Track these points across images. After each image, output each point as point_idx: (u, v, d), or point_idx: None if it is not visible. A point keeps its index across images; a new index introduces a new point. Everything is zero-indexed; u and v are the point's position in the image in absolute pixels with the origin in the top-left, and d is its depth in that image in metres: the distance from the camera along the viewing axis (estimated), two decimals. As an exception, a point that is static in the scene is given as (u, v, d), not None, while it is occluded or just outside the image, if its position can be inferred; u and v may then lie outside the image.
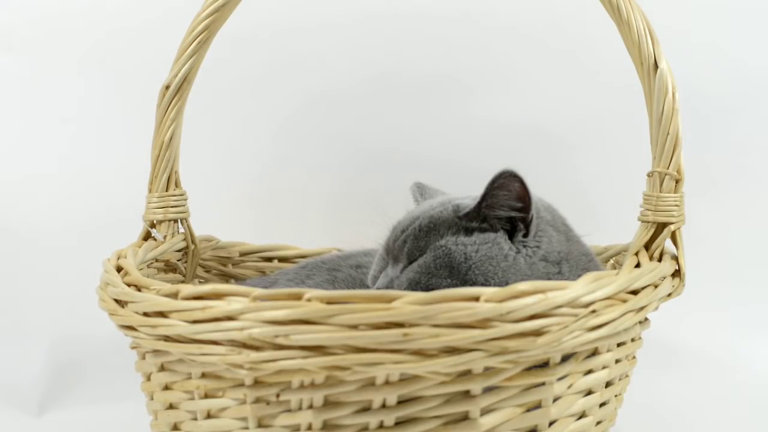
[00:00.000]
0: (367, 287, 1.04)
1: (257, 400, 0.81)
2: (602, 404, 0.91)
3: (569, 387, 0.85)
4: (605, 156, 1.49)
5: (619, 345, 0.90)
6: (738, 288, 1.48)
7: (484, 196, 0.92)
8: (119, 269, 0.93)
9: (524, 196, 0.92)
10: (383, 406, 0.79)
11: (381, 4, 1.48)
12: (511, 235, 0.94)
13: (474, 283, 0.90)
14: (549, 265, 0.94)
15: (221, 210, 1.42)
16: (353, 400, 0.78)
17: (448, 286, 0.90)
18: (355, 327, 0.73)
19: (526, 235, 0.94)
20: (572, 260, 0.96)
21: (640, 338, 0.96)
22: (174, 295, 0.80)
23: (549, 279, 0.92)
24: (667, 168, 0.93)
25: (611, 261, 1.17)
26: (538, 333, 0.75)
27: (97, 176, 1.48)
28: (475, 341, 0.73)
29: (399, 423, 0.80)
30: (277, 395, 0.80)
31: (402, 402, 0.79)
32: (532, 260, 0.93)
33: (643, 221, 0.96)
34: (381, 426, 0.79)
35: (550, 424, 0.84)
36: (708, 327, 1.45)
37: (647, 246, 0.95)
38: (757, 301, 1.48)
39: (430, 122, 1.50)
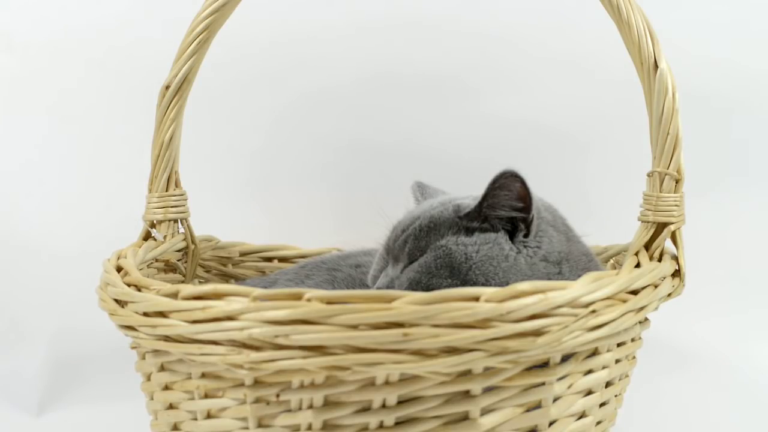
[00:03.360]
0: (367, 287, 1.04)
1: (257, 400, 0.81)
2: (602, 404, 0.91)
3: (569, 387, 0.85)
4: (605, 156, 1.49)
5: (619, 345, 0.90)
6: (738, 288, 1.48)
7: (485, 196, 0.92)
8: (119, 269, 0.93)
9: (525, 197, 0.92)
10: (383, 406, 0.79)
11: (384, 5, 1.48)
12: (512, 236, 0.94)
13: (474, 284, 0.90)
14: (549, 266, 0.94)
15: (221, 210, 1.42)
16: (353, 400, 0.78)
17: (449, 286, 0.90)
18: (355, 327, 0.73)
19: (526, 236, 0.94)
20: (572, 260, 0.96)
21: (640, 338, 0.96)
22: (174, 295, 0.80)
23: (549, 279, 0.92)
24: (667, 168, 0.93)
25: (611, 261, 1.17)
26: (538, 333, 0.75)
27: (97, 176, 1.48)
28: (475, 341, 0.73)
29: (399, 423, 0.80)
30: (277, 395, 0.80)
31: (402, 402, 0.79)
32: (532, 260, 0.93)
33: (643, 221, 0.96)
34: (381, 426, 0.79)
35: (550, 424, 0.84)
36: (708, 327, 1.45)
37: (647, 246, 0.95)
38: (758, 301, 1.48)
39: (431, 121, 1.50)
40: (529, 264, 0.93)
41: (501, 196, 0.92)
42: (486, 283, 0.90)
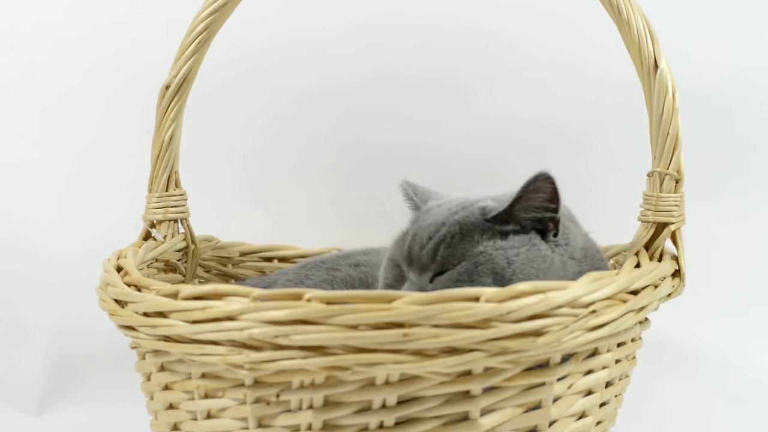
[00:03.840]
0: (367, 286, 1.04)
1: (257, 400, 0.81)
2: (602, 404, 0.91)
3: (569, 387, 0.85)
4: (605, 156, 1.49)
5: (619, 345, 0.90)
6: (738, 288, 1.48)
7: (519, 199, 0.91)
8: (119, 269, 0.93)
9: (555, 197, 0.92)
10: (383, 406, 0.79)
11: (384, 7, 1.48)
12: (543, 235, 0.94)
13: None
14: (574, 263, 0.94)
15: (221, 210, 1.42)
16: (353, 401, 0.78)
17: None
18: (355, 327, 0.73)
19: (555, 235, 0.94)
20: (590, 257, 0.96)
21: (640, 338, 0.96)
22: (174, 295, 0.80)
23: (575, 278, 0.92)
24: (667, 168, 0.94)
25: (611, 261, 1.17)
26: (538, 333, 0.75)
27: (98, 176, 1.48)
28: (475, 341, 0.73)
29: (399, 423, 0.80)
30: (277, 395, 0.80)
31: (402, 402, 0.79)
32: (563, 259, 0.93)
33: (643, 221, 0.96)
34: (381, 426, 0.79)
35: (550, 424, 0.84)
36: (708, 326, 1.45)
37: (647, 246, 0.95)
38: (758, 301, 1.48)
39: (431, 122, 1.50)
40: (562, 263, 0.93)
41: (535, 198, 0.91)
42: None
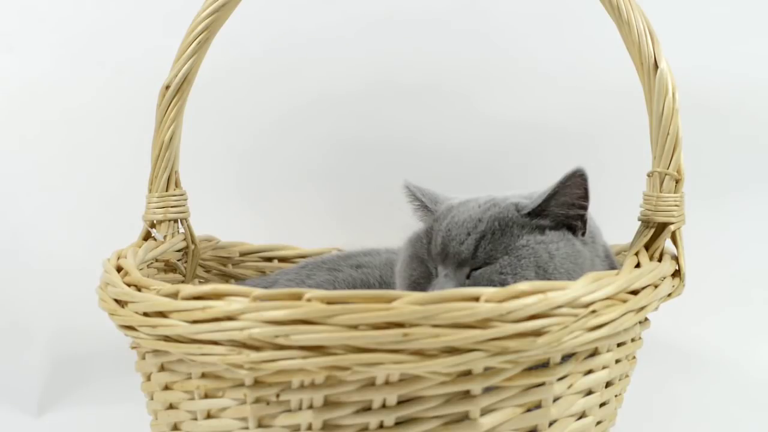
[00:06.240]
0: (369, 287, 1.03)
1: (257, 400, 0.81)
2: (602, 404, 0.91)
3: (569, 387, 0.85)
4: (605, 156, 1.49)
5: (619, 345, 0.90)
6: (739, 288, 1.48)
7: (554, 194, 0.92)
8: (119, 269, 0.93)
9: (587, 195, 0.93)
10: (383, 406, 0.79)
11: (383, 8, 1.48)
12: (573, 232, 0.94)
13: None
14: (603, 261, 0.95)
15: (221, 210, 1.42)
16: (353, 400, 0.79)
17: None
18: (355, 327, 0.73)
19: (583, 234, 0.95)
20: (610, 257, 0.97)
21: (640, 338, 0.96)
22: (174, 295, 0.80)
23: None
24: (667, 168, 0.94)
25: (611, 261, 1.17)
26: (538, 333, 0.75)
27: (97, 176, 1.48)
28: (475, 341, 0.73)
29: (399, 423, 0.80)
30: (277, 395, 0.80)
31: (402, 402, 0.79)
32: (592, 256, 0.94)
33: (643, 221, 0.96)
34: (381, 426, 0.79)
35: (550, 424, 0.84)
36: (708, 326, 1.45)
37: (647, 246, 0.95)
38: (758, 300, 1.48)
39: (429, 123, 1.50)
40: (591, 260, 0.93)
41: (571, 194, 0.92)
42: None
